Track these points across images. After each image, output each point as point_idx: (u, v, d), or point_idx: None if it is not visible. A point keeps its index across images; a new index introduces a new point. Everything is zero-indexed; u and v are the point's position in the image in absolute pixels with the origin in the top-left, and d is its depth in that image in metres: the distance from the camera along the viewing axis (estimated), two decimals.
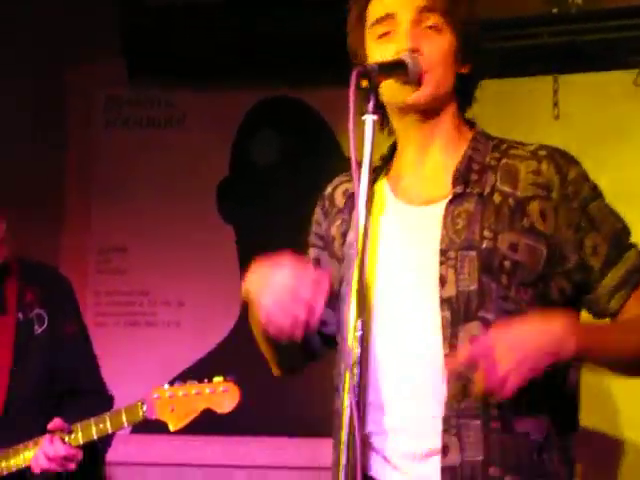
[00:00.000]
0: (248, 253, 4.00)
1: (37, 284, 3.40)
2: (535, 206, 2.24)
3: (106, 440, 3.17)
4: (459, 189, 2.24)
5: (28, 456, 3.10)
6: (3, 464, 3.09)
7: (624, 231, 2.29)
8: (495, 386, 2.09)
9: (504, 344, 2.10)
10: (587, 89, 4.26)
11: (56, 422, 3.03)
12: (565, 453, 2.27)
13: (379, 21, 2.21)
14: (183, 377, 3.21)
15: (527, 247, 2.24)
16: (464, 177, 2.26)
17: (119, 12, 4.21)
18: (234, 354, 4.17)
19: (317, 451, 3.98)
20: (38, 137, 4.49)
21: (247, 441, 4.41)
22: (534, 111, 4.16)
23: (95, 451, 3.16)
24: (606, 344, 2.22)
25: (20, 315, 3.32)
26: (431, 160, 2.32)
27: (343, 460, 1.98)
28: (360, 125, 2.03)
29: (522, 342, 2.12)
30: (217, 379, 3.01)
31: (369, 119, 2.03)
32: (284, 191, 4.36)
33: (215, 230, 4.52)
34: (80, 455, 3.05)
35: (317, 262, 2.37)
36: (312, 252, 2.37)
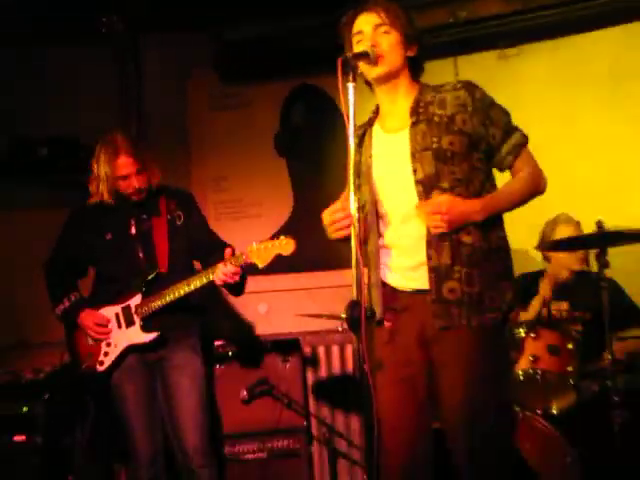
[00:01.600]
0: (293, 173, 5.12)
1: (176, 198, 3.71)
2: (459, 117, 2.50)
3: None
4: (414, 119, 2.54)
5: (206, 278, 3.38)
6: (187, 284, 3.42)
7: (510, 121, 2.56)
8: (435, 227, 2.43)
9: (442, 206, 2.42)
10: (474, 64, 4.75)
11: (227, 251, 3.42)
12: (498, 258, 2.53)
13: (355, 34, 2.57)
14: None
15: (458, 140, 2.49)
16: (415, 111, 2.55)
17: (213, 47, 4.89)
18: (290, 229, 4.58)
19: (342, 277, 4.35)
20: (175, 117, 5.12)
21: (303, 274, 4.90)
22: (445, 76, 4.24)
23: (242, 274, 3.46)
24: (502, 202, 2.51)
25: (168, 216, 3.63)
26: (397, 106, 2.59)
27: (356, 274, 2.25)
28: (347, 90, 2.30)
29: (452, 208, 2.42)
30: (282, 236, 3.34)
31: (350, 85, 2.30)
32: (308, 138, 4.97)
33: (274, 161, 5.12)
34: (240, 272, 3.39)
35: None
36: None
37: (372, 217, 2.55)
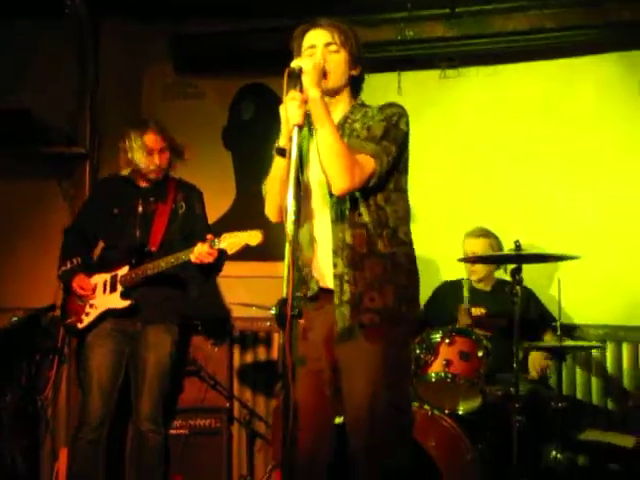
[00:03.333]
0: (237, 166, 5.08)
1: (185, 191, 3.94)
2: (374, 124, 2.54)
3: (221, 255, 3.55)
4: (339, 131, 2.54)
5: (184, 256, 3.54)
6: (166, 261, 3.59)
7: (388, 137, 2.52)
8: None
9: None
10: (417, 81, 4.80)
11: (209, 235, 3.57)
12: (402, 264, 2.58)
13: (307, 48, 2.60)
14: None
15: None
16: (341, 126, 2.61)
17: (170, 40, 4.92)
18: (231, 219, 4.86)
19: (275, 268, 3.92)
20: (131, 106, 5.06)
21: (238, 263, 4.27)
22: (389, 89, 4.65)
23: (219, 257, 3.55)
24: (325, 114, 2.40)
25: (173, 205, 3.86)
26: (334, 118, 2.55)
27: (287, 274, 2.23)
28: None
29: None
30: (253, 230, 3.41)
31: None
32: (255, 133, 4.89)
33: (221, 153, 5.10)
34: (215, 253, 3.50)
35: None
36: None
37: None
